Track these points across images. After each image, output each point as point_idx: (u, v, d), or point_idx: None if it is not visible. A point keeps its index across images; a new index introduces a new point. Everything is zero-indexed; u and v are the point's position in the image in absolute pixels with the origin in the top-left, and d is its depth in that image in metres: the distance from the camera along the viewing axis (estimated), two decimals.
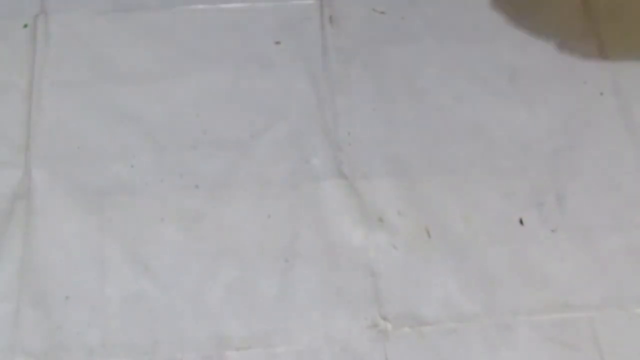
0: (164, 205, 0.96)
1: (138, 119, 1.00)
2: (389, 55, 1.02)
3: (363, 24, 1.06)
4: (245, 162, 0.98)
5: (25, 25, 1.05)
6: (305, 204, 0.96)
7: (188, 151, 0.99)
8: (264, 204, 0.96)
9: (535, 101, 1.00)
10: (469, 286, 0.93)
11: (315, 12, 1.07)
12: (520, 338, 0.91)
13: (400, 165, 0.99)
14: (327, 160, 0.99)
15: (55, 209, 0.95)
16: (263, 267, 0.93)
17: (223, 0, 1.07)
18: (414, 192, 0.97)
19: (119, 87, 1.02)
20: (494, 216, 0.97)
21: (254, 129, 1.00)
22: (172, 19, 1.06)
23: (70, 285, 0.91)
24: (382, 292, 0.92)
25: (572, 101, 1.02)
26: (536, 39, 1.05)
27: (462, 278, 0.93)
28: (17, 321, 0.90)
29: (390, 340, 0.90)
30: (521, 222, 0.97)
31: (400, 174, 0.98)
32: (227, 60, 1.04)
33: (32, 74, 1.02)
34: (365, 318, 0.91)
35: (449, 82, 1.03)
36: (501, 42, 1.03)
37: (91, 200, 0.96)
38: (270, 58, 1.04)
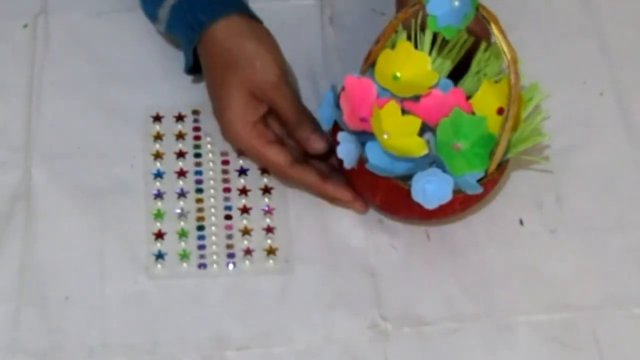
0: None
1: (138, 119, 1.00)
2: None
3: (363, 24, 1.06)
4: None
5: (25, 25, 1.05)
6: (305, 204, 0.96)
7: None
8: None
9: None
10: (468, 286, 0.93)
11: (315, 12, 1.07)
12: (520, 338, 0.90)
13: None
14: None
15: (55, 209, 0.95)
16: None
17: None
18: None
19: (119, 87, 1.02)
20: (494, 216, 0.97)
21: None
22: None
23: (70, 285, 0.91)
24: (382, 292, 0.92)
25: (572, 101, 1.02)
26: (535, 38, 1.06)
27: (462, 278, 0.93)
28: (17, 321, 0.89)
29: (390, 341, 0.90)
30: (521, 222, 0.97)
31: None
32: None
33: (32, 74, 1.02)
34: (365, 318, 0.91)
35: None
36: None
37: (91, 200, 0.96)
38: None
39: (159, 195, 0.96)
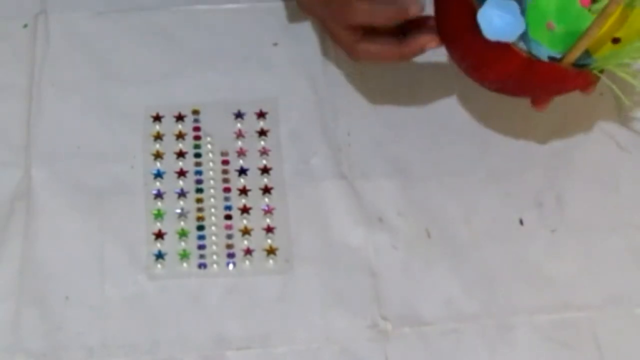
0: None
1: (138, 119, 1.00)
2: None
3: None
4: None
5: (25, 25, 1.05)
6: (305, 204, 0.96)
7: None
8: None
9: None
10: (469, 286, 0.93)
11: None
12: (520, 338, 0.91)
13: (400, 165, 0.99)
14: (327, 160, 0.99)
15: (55, 209, 0.95)
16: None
17: (223, 1, 1.07)
18: (413, 193, 0.97)
19: (119, 87, 1.02)
20: (494, 216, 0.97)
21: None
22: (172, 19, 1.06)
23: (70, 285, 0.91)
24: (382, 292, 0.92)
25: (571, 101, 1.02)
26: None
27: (462, 278, 0.93)
28: (17, 321, 0.89)
29: (390, 340, 0.90)
30: (521, 222, 0.97)
31: (400, 174, 0.98)
32: (227, 61, 1.04)
33: (32, 74, 1.02)
34: (365, 318, 0.91)
35: (450, 82, 1.03)
36: None
37: (91, 200, 0.96)
38: (271, 58, 1.04)
39: (159, 195, 0.96)
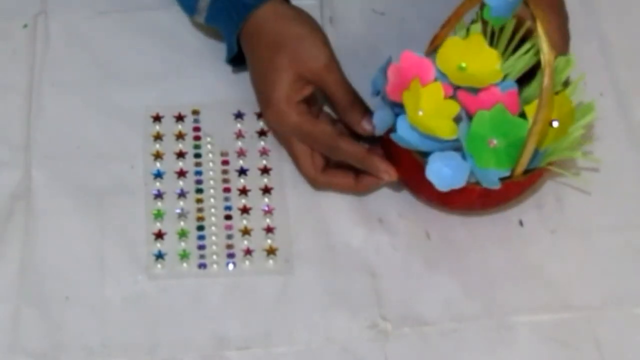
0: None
1: (138, 119, 1.00)
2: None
3: (363, 24, 1.06)
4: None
5: (25, 25, 1.06)
6: (305, 204, 0.96)
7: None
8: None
9: None
10: (469, 287, 0.93)
11: (315, 12, 1.07)
12: (520, 338, 0.91)
13: None
14: None
15: (55, 209, 0.95)
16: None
17: None
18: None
19: (120, 87, 1.02)
20: (494, 217, 0.97)
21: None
22: (172, 19, 1.06)
23: (70, 285, 0.91)
24: (382, 292, 0.92)
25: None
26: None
27: (462, 278, 0.93)
28: (17, 321, 0.89)
29: (390, 340, 0.90)
30: (521, 223, 0.97)
31: None
32: None
33: (32, 74, 1.02)
34: (365, 318, 0.91)
35: None
36: None
37: (91, 200, 0.96)
38: None
39: (159, 195, 0.96)
